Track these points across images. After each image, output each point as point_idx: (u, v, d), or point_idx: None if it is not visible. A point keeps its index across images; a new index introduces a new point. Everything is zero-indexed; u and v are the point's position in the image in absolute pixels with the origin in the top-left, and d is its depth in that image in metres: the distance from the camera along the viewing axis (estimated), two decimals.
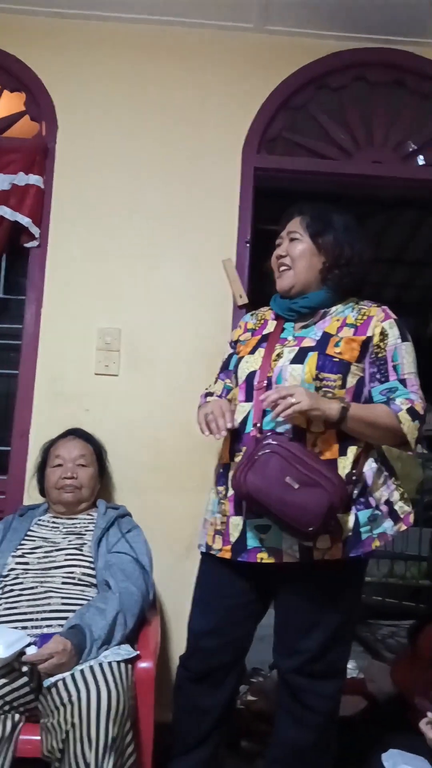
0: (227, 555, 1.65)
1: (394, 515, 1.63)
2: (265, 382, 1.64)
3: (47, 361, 2.34)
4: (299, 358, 1.63)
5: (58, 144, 2.42)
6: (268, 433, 1.58)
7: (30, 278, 2.38)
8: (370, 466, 1.62)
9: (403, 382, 1.62)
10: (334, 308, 1.72)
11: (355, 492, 1.58)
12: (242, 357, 1.74)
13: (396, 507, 1.63)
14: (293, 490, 1.46)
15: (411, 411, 1.57)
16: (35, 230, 2.33)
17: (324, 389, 1.59)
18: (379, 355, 1.64)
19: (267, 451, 1.52)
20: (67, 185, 2.41)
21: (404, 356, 1.64)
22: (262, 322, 1.82)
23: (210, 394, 1.86)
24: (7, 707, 1.51)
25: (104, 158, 2.42)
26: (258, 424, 1.61)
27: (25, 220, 2.30)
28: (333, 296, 1.72)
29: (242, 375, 1.71)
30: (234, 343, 1.87)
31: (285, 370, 1.63)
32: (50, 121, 2.43)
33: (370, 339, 1.65)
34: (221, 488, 1.71)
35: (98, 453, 2.14)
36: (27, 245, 2.37)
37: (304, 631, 1.60)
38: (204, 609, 1.72)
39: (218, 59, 2.47)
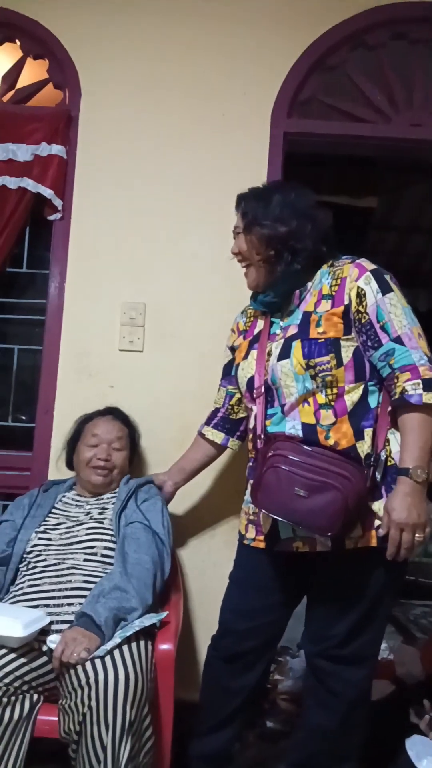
0: (261, 545, 1.65)
1: None
2: (263, 387, 1.61)
3: (71, 337, 2.31)
4: (285, 352, 1.56)
5: (82, 112, 2.36)
6: (275, 439, 1.53)
7: (53, 252, 2.33)
8: (395, 447, 1.52)
9: (398, 340, 1.48)
10: (310, 282, 1.61)
11: (378, 474, 1.50)
12: (238, 364, 1.73)
13: None
14: (304, 500, 1.43)
15: (426, 384, 1.44)
16: (58, 202, 2.28)
17: (321, 374, 1.51)
18: (363, 320, 1.51)
19: (271, 466, 1.48)
20: (90, 155, 2.35)
21: (390, 311, 1.49)
22: (252, 320, 1.76)
23: (216, 410, 1.92)
24: (26, 687, 1.50)
25: (128, 126, 2.35)
26: (261, 435, 1.59)
27: (47, 192, 2.26)
28: (298, 277, 1.60)
29: (242, 383, 1.70)
30: (231, 349, 1.83)
31: (276, 369, 1.58)
32: (73, 88, 2.37)
33: (348, 307, 1.52)
34: (252, 480, 1.68)
35: (132, 437, 2.11)
36: (50, 218, 2.32)
37: (332, 618, 1.57)
38: (237, 591, 1.72)
39: (245, 19, 2.36)
